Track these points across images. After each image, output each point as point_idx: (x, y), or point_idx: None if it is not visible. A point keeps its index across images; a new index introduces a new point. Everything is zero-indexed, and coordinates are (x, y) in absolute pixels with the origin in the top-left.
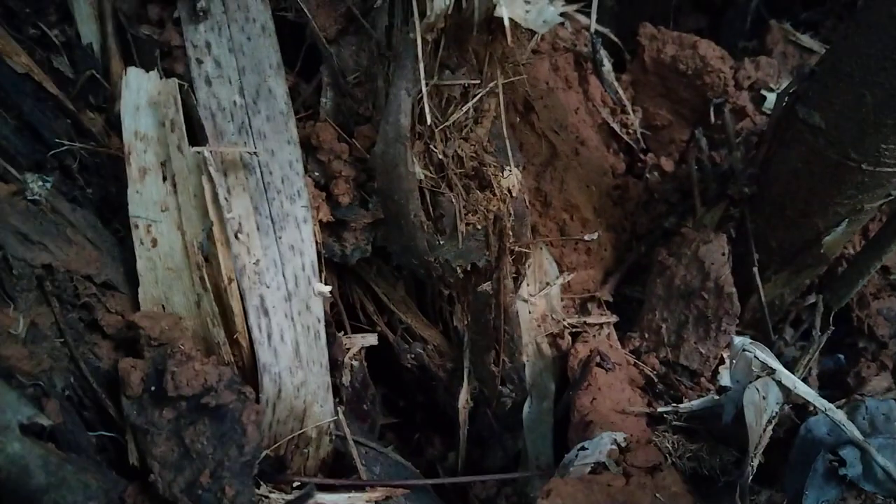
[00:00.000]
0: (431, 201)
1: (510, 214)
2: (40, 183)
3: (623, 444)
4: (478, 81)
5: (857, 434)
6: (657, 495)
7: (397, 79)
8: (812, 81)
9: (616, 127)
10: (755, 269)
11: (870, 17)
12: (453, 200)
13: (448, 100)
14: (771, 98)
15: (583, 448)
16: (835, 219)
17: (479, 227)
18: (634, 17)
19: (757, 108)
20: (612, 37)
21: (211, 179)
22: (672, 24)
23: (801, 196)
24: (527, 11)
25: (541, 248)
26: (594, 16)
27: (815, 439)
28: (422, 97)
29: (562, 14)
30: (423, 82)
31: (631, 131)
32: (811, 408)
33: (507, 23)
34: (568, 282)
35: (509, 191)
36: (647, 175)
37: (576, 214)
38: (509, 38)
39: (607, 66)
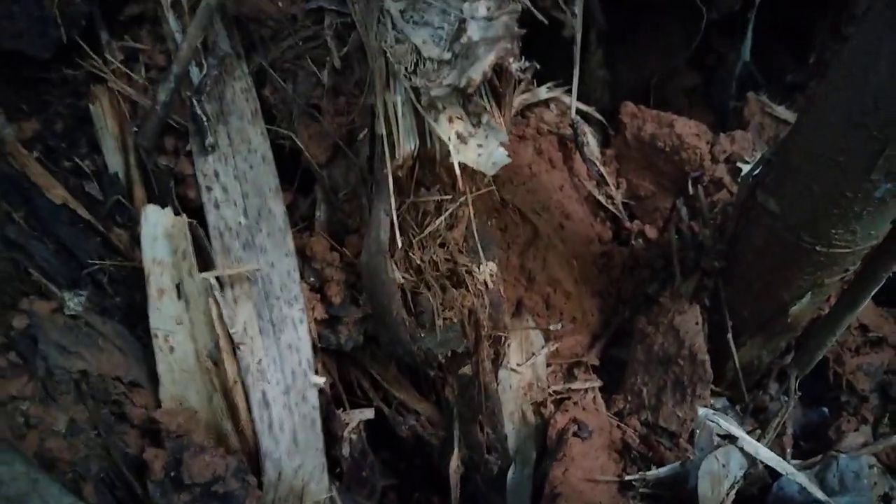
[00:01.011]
0: (412, 300)
1: (486, 305)
2: (76, 300)
3: None
4: (450, 197)
5: (822, 495)
6: None
7: (377, 202)
8: (768, 168)
9: (602, 198)
10: (729, 336)
11: (814, 117)
12: (431, 299)
13: (424, 213)
14: (746, 170)
15: None
16: (798, 292)
17: (456, 320)
18: (633, 76)
19: (734, 178)
20: (597, 115)
21: (216, 302)
22: (669, 83)
23: (765, 271)
24: (479, 155)
25: (526, 321)
26: (574, 102)
27: (786, 497)
28: (399, 216)
29: (547, 99)
30: (393, 211)
31: (615, 202)
32: None
33: (457, 169)
34: (556, 348)
35: (485, 283)
36: (633, 242)
37: (558, 288)
38: (460, 182)
39: (591, 143)
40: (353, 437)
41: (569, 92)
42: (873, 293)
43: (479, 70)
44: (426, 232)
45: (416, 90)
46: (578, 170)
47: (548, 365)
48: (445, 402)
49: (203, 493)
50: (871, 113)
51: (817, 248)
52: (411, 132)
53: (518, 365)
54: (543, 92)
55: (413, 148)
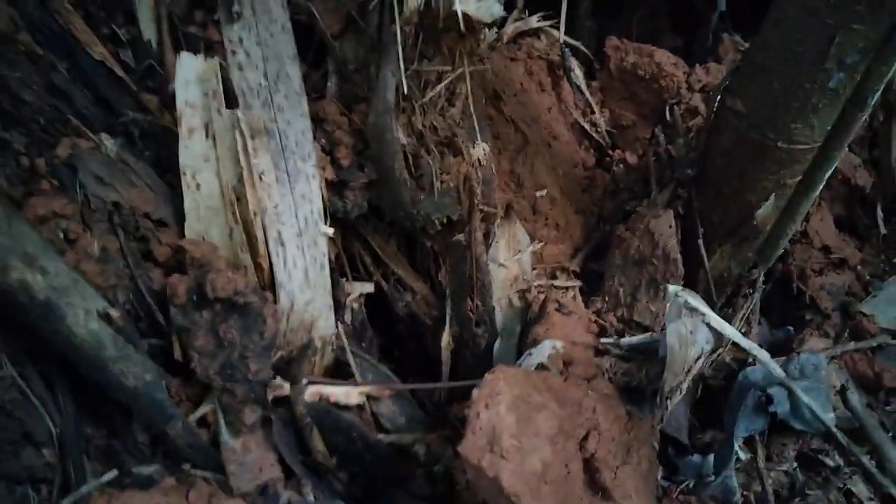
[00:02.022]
0: (413, 163)
1: (479, 180)
2: (112, 141)
3: (561, 350)
4: (449, 68)
5: (781, 373)
6: (589, 392)
7: (384, 63)
8: (737, 74)
9: (586, 126)
10: (700, 242)
11: (776, 15)
12: (430, 162)
13: (425, 82)
14: None
15: (529, 354)
16: (763, 194)
17: (452, 185)
18: (617, 35)
19: (708, 107)
20: (583, 48)
21: (242, 134)
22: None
23: (733, 175)
24: (477, 6)
25: (514, 221)
26: (563, 28)
27: (750, 383)
28: (405, 77)
29: (537, 28)
30: (401, 66)
31: (599, 130)
32: (749, 360)
33: (460, 15)
34: (540, 253)
35: (478, 160)
36: (614, 168)
37: (545, 195)
38: (462, 26)
39: (577, 72)
40: (355, 306)
41: (557, 26)
42: (825, 179)
43: None
44: (427, 98)
45: None
46: (566, 97)
47: (532, 269)
48: (438, 284)
49: (224, 308)
50: (823, 3)
51: (779, 143)
52: None
53: (505, 260)
54: (534, 21)
55: (419, 3)
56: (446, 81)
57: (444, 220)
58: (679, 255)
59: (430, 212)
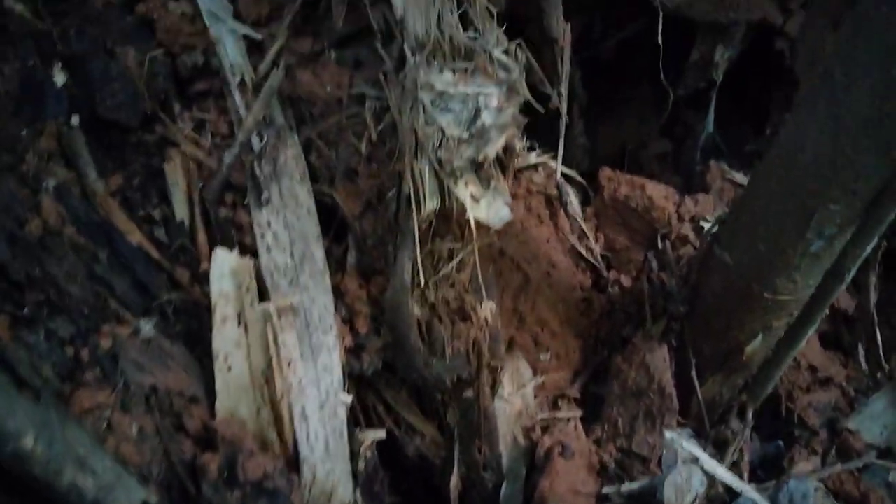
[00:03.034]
0: (427, 331)
1: (486, 338)
2: (149, 325)
3: None
4: (460, 245)
5: None
6: None
7: (401, 247)
8: (724, 226)
9: (583, 251)
10: (693, 373)
11: (758, 185)
12: (442, 331)
13: (438, 258)
14: (708, 228)
15: None
16: (751, 333)
17: (462, 349)
18: (611, 142)
19: (697, 235)
20: (578, 178)
21: (273, 328)
22: (642, 149)
23: (722, 315)
24: (488, 212)
25: (518, 358)
26: (559, 166)
27: None
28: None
29: (536, 164)
30: (417, 256)
31: (594, 254)
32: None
33: (472, 223)
34: (542, 383)
35: (486, 319)
36: (610, 290)
37: (546, 328)
38: (474, 234)
39: (573, 202)
40: (368, 454)
41: (555, 157)
42: (810, 334)
43: (493, 149)
44: (440, 274)
45: (440, 161)
46: (562, 225)
47: (535, 397)
48: (448, 427)
49: (254, 490)
50: (800, 185)
51: (765, 294)
52: (434, 193)
53: (510, 395)
54: (533, 157)
55: (436, 205)
56: (457, 259)
57: (455, 379)
58: (674, 390)
59: (441, 373)
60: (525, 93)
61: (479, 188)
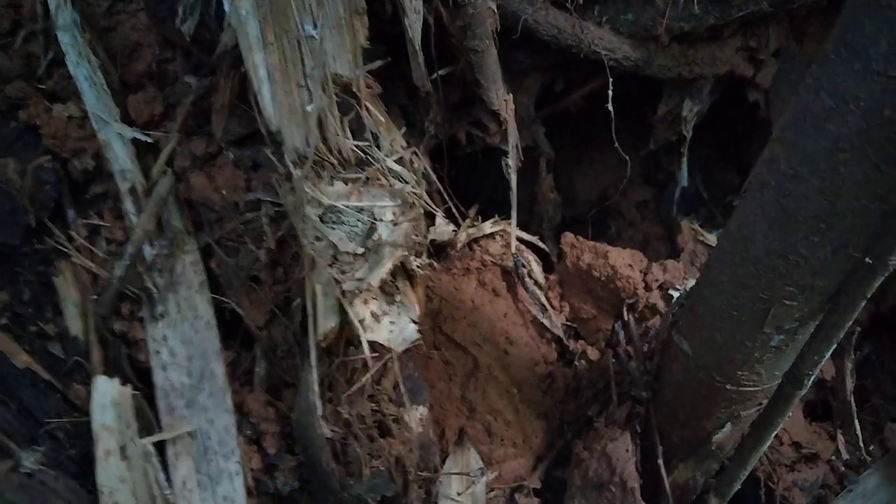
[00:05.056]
0: (341, 451)
1: (416, 449)
2: (32, 458)
3: None
4: (377, 354)
5: None
6: None
7: (307, 365)
8: (682, 311)
9: (546, 322)
10: (660, 462)
11: (710, 276)
12: (358, 450)
13: (353, 370)
14: (677, 296)
15: None
16: (718, 422)
17: (383, 468)
18: (588, 190)
19: (667, 304)
20: (540, 244)
21: (153, 466)
22: (622, 196)
23: (686, 403)
24: (390, 332)
25: (468, 450)
26: (514, 238)
27: None
28: (328, 375)
29: (493, 233)
30: (315, 380)
31: (558, 325)
32: None
33: (365, 347)
34: (498, 473)
35: (414, 429)
36: (576, 363)
37: (499, 417)
38: (369, 361)
39: (535, 270)
40: None
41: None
42: (773, 435)
43: (380, 273)
44: (353, 388)
45: (334, 278)
46: (523, 295)
47: (490, 490)
48: None
49: None
50: (753, 277)
51: (727, 386)
52: (332, 311)
53: (458, 494)
54: (488, 226)
55: (334, 325)
56: (372, 371)
57: (379, 500)
58: (637, 484)
59: (361, 493)
60: (422, 205)
61: (382, 303)
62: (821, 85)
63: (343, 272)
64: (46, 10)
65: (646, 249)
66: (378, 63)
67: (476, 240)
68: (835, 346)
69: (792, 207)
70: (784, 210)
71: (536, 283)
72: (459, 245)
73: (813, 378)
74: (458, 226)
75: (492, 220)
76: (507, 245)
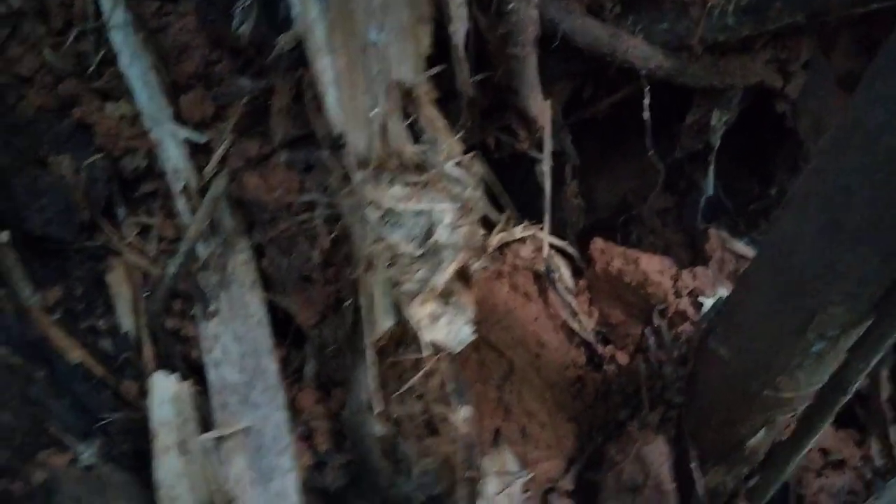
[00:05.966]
0: (391, 449)
1: (460, 449)
2: (89, 451)
3: None
4: (424, 355)
5: None
6: None
7: (358, 366)
8: (718, 317)
9: (575, 326)
10: (693, 465)
11: (751, 284)
12: (408, 449)
13: (403, 371)
14: (707, 302)
15: None
16: (753, 428)
17: (432, 466)
18: (610, 198)
19: (696, 310)
20: (570, 249)
21: (215, 461)
22: (644, 204)
23: (721, 408)
24: (447, 333)
25: (504, 452)
26: (546, 244)
27: None
28: (380, 374)
29: (523, 237)
30: (373, 378)
31: (587, 331)
32: None
33: (425, 347)
34: (532, 476)
35: (459, 429)
36: (605, 367)
37: (533, 419)
38: (427, 361)
39: (564, 276)
40: None
41: (542, 228)
42: (814, 441)
43: (444, 276)
44: (405, 387)
45: (392, 279)
46: (553, 300)
47: (525, 491)
48: None
49: None
50: (797, 286)
51: (765, 392)
52: (389, 311)
53: (495, 496)
54: (519, 231)
55: (390, 325)
56: (424, 370)
57: (426, 499)
58: (672, 486)
59: (409, 492)
60: (480, 209)
61: (439, 305)
62: (876, 98)
63: (402, 274)
64: (97, 10)
65: (668, 256)
66: (436, 69)
67: (507, 244)
68: (881, 354)
69: (840, 219)
70: (831, 221)
71: (566, 287)
72: (491, 249)
73: (856, 385)
74: (490, 230)
75: (523, 225)
76: (538, 249)
